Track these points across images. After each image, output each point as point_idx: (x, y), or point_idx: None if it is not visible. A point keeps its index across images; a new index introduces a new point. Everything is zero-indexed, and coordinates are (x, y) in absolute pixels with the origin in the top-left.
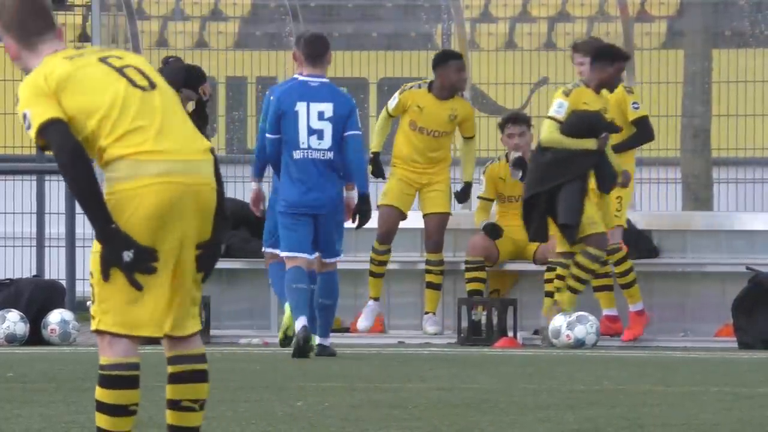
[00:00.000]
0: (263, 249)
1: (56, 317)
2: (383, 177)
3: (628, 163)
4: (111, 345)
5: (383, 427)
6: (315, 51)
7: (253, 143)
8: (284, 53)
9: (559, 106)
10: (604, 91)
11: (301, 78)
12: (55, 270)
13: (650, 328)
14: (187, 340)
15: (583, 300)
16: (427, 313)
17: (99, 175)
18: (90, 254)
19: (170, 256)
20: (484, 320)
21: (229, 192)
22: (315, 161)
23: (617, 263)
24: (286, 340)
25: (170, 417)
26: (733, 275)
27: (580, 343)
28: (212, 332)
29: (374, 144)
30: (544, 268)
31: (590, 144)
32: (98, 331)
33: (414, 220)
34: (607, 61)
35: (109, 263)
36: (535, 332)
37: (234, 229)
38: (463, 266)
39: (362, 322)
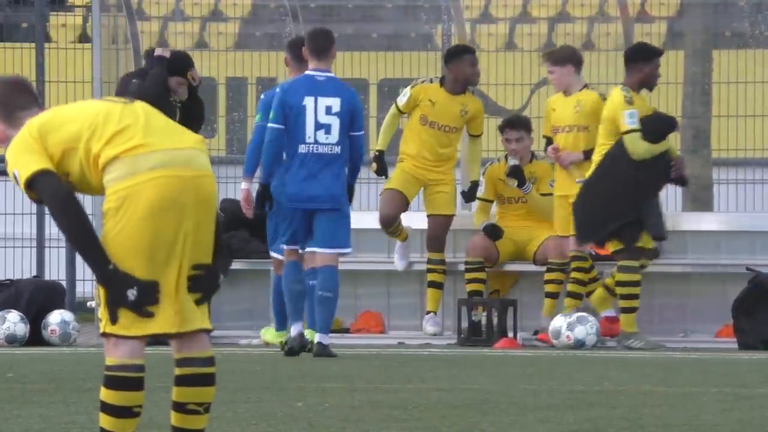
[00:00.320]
0: (271, 253)
1: (56, 318)
2: (386, 175)
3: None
4: (117, 346)
5: (383, 427)
6: (320, 45)
7: None
8: (284, 54)
9: (631, 116)
10: (583, 92)
11: (307, 72)
12: (55, 271)
13: (650, 328)
14: (196, 342)
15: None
16: (428, 312)
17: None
18: None
19: (174, 252)
20: (484, 321)
21: (230, 193)
22: (321, 155)
23: (577, 270)
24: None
25: (175, 419)
26: (733, 276)
27: (580, 344)
28: (212, 333)
29: (380, 142)
30: (544, 268)
31: (668, 145)
32: (105, 334)
33: (414, 220)
34: (641, 61)
35: (115, 305)
36: (535, 333)
37: (234, 229)
38: (462, 267)
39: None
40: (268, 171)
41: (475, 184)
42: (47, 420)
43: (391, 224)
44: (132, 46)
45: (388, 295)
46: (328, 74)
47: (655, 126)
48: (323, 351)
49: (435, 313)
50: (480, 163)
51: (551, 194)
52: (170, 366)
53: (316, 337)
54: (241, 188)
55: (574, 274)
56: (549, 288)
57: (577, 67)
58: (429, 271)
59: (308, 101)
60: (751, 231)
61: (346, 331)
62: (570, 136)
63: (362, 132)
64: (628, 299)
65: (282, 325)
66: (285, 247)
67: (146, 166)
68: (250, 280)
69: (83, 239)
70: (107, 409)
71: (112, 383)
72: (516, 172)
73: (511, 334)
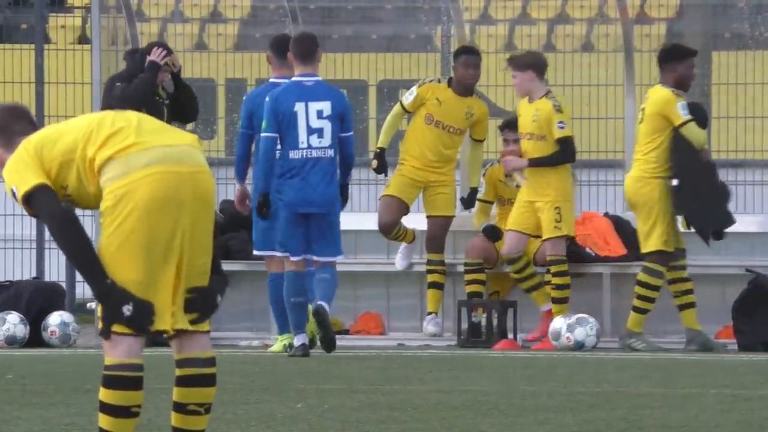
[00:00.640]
0: (254, 251)
1: (56, 319)
2: (386, 173)
3: (565, 178)
4: (115, 345)
5: (383, 429)
6: (305, 50)
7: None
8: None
9: (683, 108)
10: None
11: (295, 78)
12: (55, 272)
13: (650, 329)
14: (197, 342)
15: (582, 299)
16: (429, 313)
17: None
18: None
19: (172, 249)
20: (483, 322)
21: (230, 194)
22: (314, 160)
23: (557, 275)
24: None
25: (175, 420)
26: (733, 277)
27: (579, 345)
28: (212, 334)
29: (381, 140)
30: (543, 269)
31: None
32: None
33: (413, 222)
34: (673, 61)
35: (110, 321)
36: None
37: (234, 231)
38: (462, 268)
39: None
40: (267, 180)
41: (474, 191)
42: (47, 421)
43: (390, 231)
44: (131, 47)
45: (387, 296)
46: (316, 78)
47: (700, 114)
48: (323, 314)
49: (436, 313)
50: (480, 169)
51: None
52: (170, 367)
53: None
54: (236, 189)
55: (555, 279)
56: (549, 289)
57: (539, 73)
58: (429, 272)
59: (299, 107)
60: (750, 232)
61: (346, 332)
62: (530, 143)
63: (351, 133)
64: (644, 301)
65: (283, 329)
66: (281, 254)
67: (140, 164)
68: (250, 282)
69: (80, 254)
70: (106, 409)
71: (111, 383)
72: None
73: (510, 336)
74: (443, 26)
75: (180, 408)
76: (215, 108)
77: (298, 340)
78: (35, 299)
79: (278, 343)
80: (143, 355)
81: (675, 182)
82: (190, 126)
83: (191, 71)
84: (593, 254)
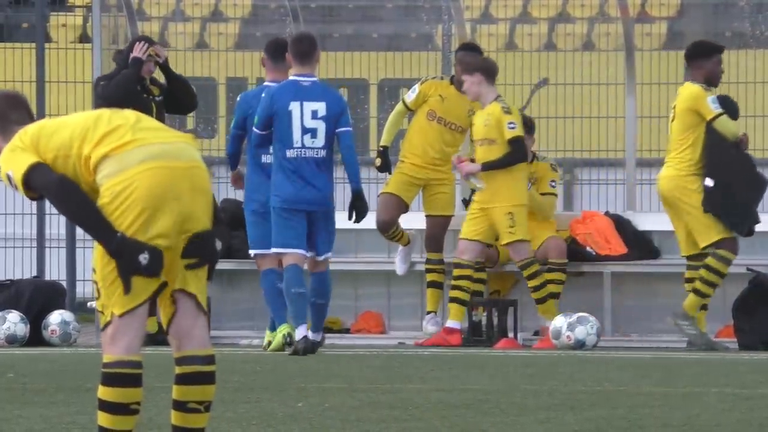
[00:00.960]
0: (251, 252)
1: (57, 318)
2: (390, 171)
3: (518, 181)
4: (114, 341)
5: (384, 428)
6: (303, 50)
7: None
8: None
9: (714, 102)
10: (494, 105)
11: (292, 78)
12: (56, 271)
13: (651, 329)
14: (196, 340)
15: (583, 297)
16: (428, 313)
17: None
18: (92, 251)
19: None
20: (484, 321)
21: (230, 193)
22: (308, 159)
23: (530, 277)
24: (269, 346)
25: (175, 418)
26: (733, 276)
27: (580, 344)
28: (213, 333)
29: (384, 138)
30: (544, 269)
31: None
32: (107, 325)
33: (413, 221)
34: (701, 58)
35: (129, 272)
36: (536, 333)
37: (234, 230)
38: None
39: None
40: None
41: (474, 192)
42: (48, 420)
43: (388, 229)
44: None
45: (388, 295)
46: (313, 79)
47: (731, 106)
48: (306, 343)
49: (435, 313)
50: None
51: (552, 194)
52: (170, 366)
53: (310, 334)
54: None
55: (463, 282)
56: (550, 288)
57: (487, 77)
58: (428, 271)
59: (294, 106)
60: None
61: (347, 331)
62: (482, 149)
63: (350, 128)
64: (708, 285)
65: (281, 321)
66: (277, 251)
67: (136, 160)
68: (250, 281)
69: (87, 217)
70: (105, 406)
71: (110, 380)
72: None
73: (511, 335)
74: (444, 25)
75: (180, 406)
76: (216, 107)
77: (299, 333)
78: (36, 298)
79: (278, 335)
80: (143, 353)
81: (709, 182)
82: (191, 125)
83: (192, 70)
84: (594, 253)
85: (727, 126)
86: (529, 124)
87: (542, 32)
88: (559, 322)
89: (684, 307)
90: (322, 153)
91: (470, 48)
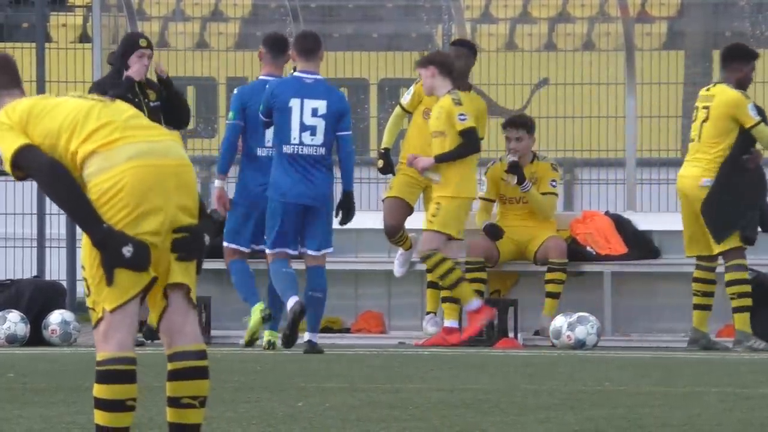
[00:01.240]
0: (225, 244)
1: (57, 318)
2: (393, 173)
3: (467, 175)
4: (106, 339)
5: (384, 427)
6: (308, 47)
7: None
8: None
9: (754, 109)
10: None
11: (295, 74)
12: (56, 271)
13: (651, 328)
14: (188, 335)
15: (583, 297)
16: (428, 313)
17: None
18: (81, 248)
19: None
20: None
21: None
22: (305, 156)
23: (430, 270)
24: (251, 343)
25: (170, 415)
26: None
27: (580, 344)
28: (212, 332)
29: (385, 140)
30: (544, 268)
31: None
32: (99, 322)
33: (414, 221)
34: (740, 61)
35: (112, 265)
36: (536, 333)
37: None
38: (463, 267)
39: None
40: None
41: None
42: (48, 420)
43: (395, 234)
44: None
45: (388, 295)
46: (316, 76)
47: (762, 114)
48: (312, 348)
49: (435, 313)
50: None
51: (552, 194)
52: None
53: (306, 336)
54: (215, 186)
55: (430, 276)
56: (550, 288)
57: (441, 70)
58: (428, 271)
59: (294, 102)
60: None
61: (347, 330)
62: (437, 141)
63: (350, 132)
64: (743, 298)
65: (253, 302)
66: (271, 250)
67: (124, 157)
68: None
69: (73, 201)
70: (101, 404)
71: (104, 377)
72: (514, 168)
73: (511, 334)
74: (444, 25)
75: (174, 402)
76: (216, 107)
77: (291, 301)
78: (36, 298)
79: (254, 315)
80: (143, 353)
81: (707, 182)
82: (191, 125)
83: (192, 70)
84: (594, 253)
85: (764, 134)
86: (529, 124)
87: (542, 32)
88: (559, 321)
89: (737, 330)
90: (321, 151)
91: (461, 44)
